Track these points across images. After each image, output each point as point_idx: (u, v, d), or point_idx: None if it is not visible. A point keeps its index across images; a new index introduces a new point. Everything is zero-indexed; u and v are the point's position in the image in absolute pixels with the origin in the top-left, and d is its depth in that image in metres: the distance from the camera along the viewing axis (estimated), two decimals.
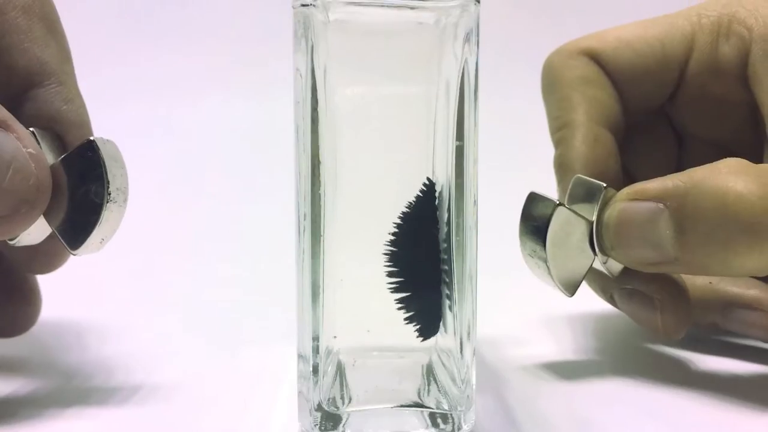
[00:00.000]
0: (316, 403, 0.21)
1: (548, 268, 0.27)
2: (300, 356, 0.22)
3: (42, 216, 0.23)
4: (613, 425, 0.24)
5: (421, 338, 0.22)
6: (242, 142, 0.57)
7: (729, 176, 0.24)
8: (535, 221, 0.27)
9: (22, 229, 0.22)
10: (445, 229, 0.22)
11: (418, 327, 0.22)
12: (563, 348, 0.32)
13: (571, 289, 0.28)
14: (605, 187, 0.27)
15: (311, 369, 0.21)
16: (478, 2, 0.21)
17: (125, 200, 0.24)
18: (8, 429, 0.23)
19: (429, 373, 0.22)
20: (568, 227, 0.27)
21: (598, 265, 0.28)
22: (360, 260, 0.22)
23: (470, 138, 0.21)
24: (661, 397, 0.26)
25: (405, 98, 0.22)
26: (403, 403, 0.22)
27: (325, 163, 0.21)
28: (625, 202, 0.26)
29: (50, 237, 0.24)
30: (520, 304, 0.38)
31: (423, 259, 0.21)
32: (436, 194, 0.21)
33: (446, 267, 0.22)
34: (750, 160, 0.30)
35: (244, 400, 0.25)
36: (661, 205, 0.25)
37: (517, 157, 0.53)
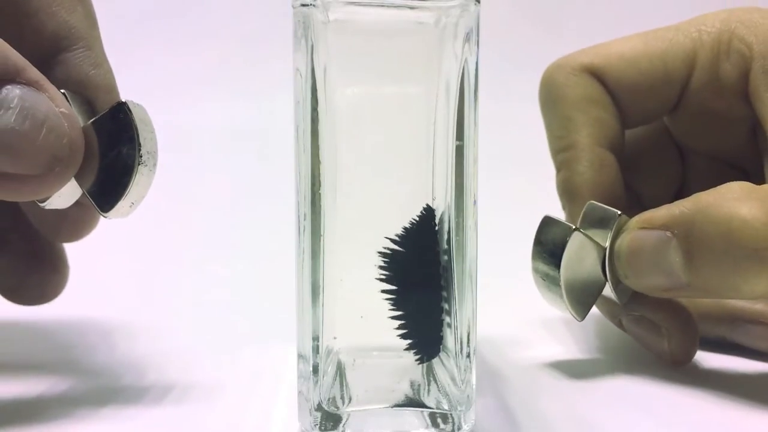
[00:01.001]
0: (316, 402, 0.21)
1: (561, 292, 0.27)
2: (300, 356, 0.22)
3: (73, 179, 0.23)
4: (613, 425, 0.24)
5: (420, 362, 0.22)
6: (242, 142, 0.57)
7: (733, 202, 0.24)
8: (549, 245, 0.28)
9: (55, 189, 0.22)
10: (445, 257, 0.22)
11: (416, 352, 0.22)
12: (563, 347, 0.32)
13: (581, 313, 0.28)
14: (619, 215, 0.28)
15: (311, 369, 0.21)
16: (478, 2, 0.21)
17: (155, 165, 0.23)
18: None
19: (429, 372, 0.22)
20: (582, 252, 0.27)
21: (607, 291, 0.28)
22: (360, 260, 0.22)
23: (470, 137, 0.21)
24: (662, 397, 0.26)
25: (405, 98, 0.21)
26: (403, 403, 0.22)
27: (325, 163, 0.21)
28: (634, 231, 0.27)
29: (78, 203, 0.24)
30: (520, 303, 0.38)
31: (423, 292, 0.21)
32: (436, 221, 0.21)
33: (446, 293, 0.22)
34: (751, 174, 0.30)
35: (244, 399, 0.25)
36: (669, 233, 0.25)
37: (517, 156, 0.53)
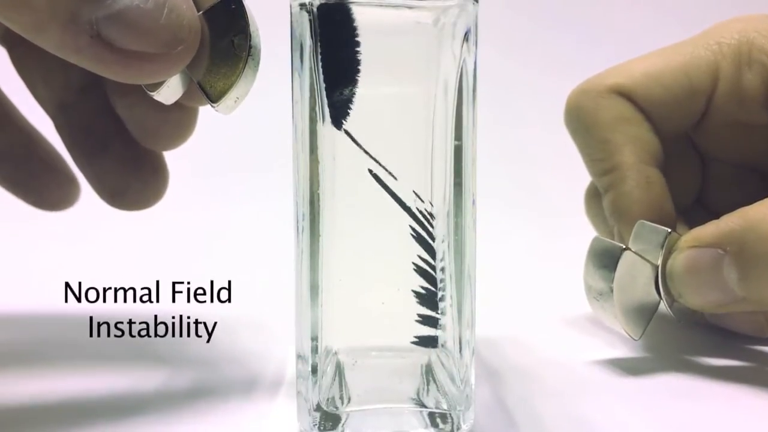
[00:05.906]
0: (315, 403, 0.21)
1: (615, 311, 0.28)
2: (299, 356, 0.22)
3: (183, 70, 0.23)
4: (612, 425, 0.24)
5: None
6: (240, 142, 0.57)
7: None
8: (600, 265, 0.28)
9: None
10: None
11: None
12: (563, 347, 0.32)
13: (637, 332, 0.29)
14: (669, 233, 0.28)
15: (310, 369, 0.21)
16: (477, 2, 0.21)
17: (258, 63, 0.23)
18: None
19: (428, 372, 0.22)
20: (634, 271, 0.28)
21: (663, 307, 0.29)
22: (358, 260, 0.22)
23: (468, 137, 0.21)
24: (662, 397, 0.26)
25: (403, 98, 0.21)
26: (403, 403, 0.22)
27: (324, 163, 0.21)
28: (686, 250, 0.27)
29: (178, 104, 0.24)
30: (519, 303, 0.38)
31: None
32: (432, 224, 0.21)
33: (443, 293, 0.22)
34: None
35: (243, 399, 0.25)
36: (721, 251, 0.26)
37: (517, 155, 0.53)
